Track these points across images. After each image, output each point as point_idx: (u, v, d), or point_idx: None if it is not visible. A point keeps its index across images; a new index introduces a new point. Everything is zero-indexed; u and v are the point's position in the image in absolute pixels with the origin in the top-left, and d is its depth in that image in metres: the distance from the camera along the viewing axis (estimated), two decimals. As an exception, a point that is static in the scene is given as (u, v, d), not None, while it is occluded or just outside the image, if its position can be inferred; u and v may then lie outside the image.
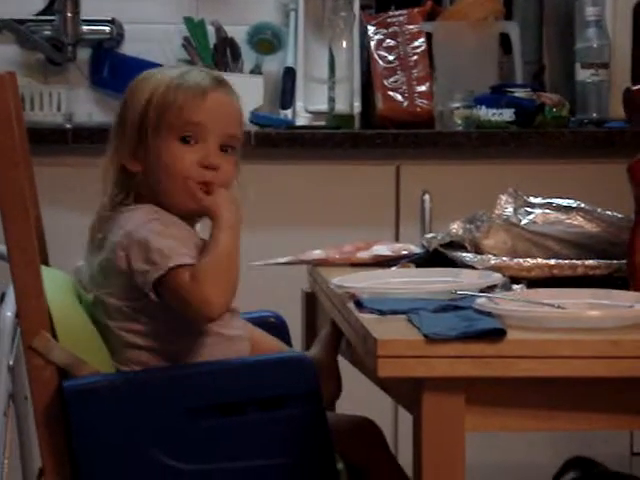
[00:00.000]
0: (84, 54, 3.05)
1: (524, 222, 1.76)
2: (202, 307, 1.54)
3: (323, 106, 2.90)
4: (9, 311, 2.32)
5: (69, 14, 2.97)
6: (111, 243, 1.60)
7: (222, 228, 1.58)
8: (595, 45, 2.87)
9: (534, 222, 1.76)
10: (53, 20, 3.01)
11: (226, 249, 1.56)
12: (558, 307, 1.47)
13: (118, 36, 3.05)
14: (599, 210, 1.77)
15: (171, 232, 1.59)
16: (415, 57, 2.90)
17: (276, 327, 1.88)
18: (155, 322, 1.61)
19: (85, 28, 3.00)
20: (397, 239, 2.69)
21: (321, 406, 1.58)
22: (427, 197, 2.71)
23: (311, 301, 2.02)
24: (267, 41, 3.01)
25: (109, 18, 3.03)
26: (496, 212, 1.78)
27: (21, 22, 3.01)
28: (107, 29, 3.03)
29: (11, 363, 2.31)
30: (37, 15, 3.04)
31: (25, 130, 1.77)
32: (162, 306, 1.59)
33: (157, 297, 1.57)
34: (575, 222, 1.76)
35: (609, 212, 1.77)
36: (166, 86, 1.63)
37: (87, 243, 1.67)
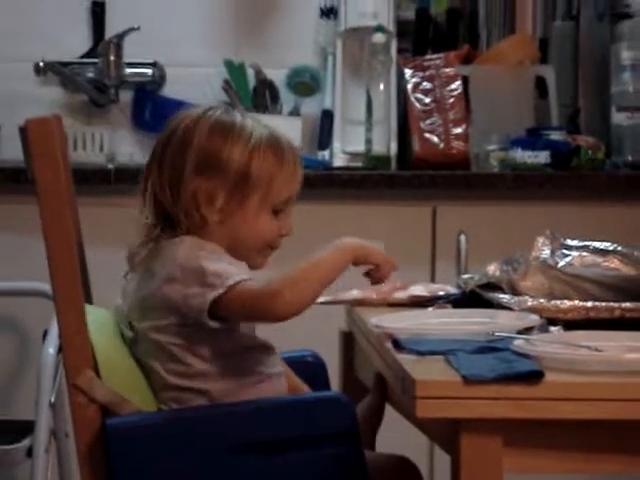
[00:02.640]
0: (126, 96, 3.10)
1: (561, 264, 1.77)
2: (273, 301, 1.54)
3: (360, 147, 2.93)
4: (51, 348, 2.34)
5: (112, 57, 3.02)
6: (162, 277, 1.61)
7: (331, 247, 1.62)
8: (631, 89, 2.89)
9: (571, 264, 1.77)
10: (97, 63, 3.05)
11: (317, 262, 1.59)
12: (595, 350, 1.48)
13: (160, 79, 3.09)
14: (636, 253, 1.78)
15: (222, 257, 1.61)
16: (451, 100, 2.92)
17: (314, 366, 1.89)
18: (199, 362, 1.62)
19: (128, 71, 3.05)
20: (433, 280, 2.70)
21: (359, 446, 1.59)
22: (463, 238, 2.72)
23: (348, 341, 2.03)
24: (305, 84, 3.05)
25: (151, 61, 3.08)
26: (533, 254, 1.79)
27: (65, 64, 3.06)
28: (149, 72, 3.08)
29: (53, 400, 2.33)
30: (81, 58, 3.09)
31: (71, 171, 1.80)
32: (207, 342, 1.61)
33: (212, 320, 1.58)
34: (612, 265, 1.76)
35: (646, 255, 1.78)
36: (269, 147, 1.63)
37: (130, 276, 1.67)
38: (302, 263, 1.58)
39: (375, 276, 1.66)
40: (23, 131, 1.61)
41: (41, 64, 3.03)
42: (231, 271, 1.58)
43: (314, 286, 1.57)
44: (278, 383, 1.68)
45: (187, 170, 1.63)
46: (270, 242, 1.67)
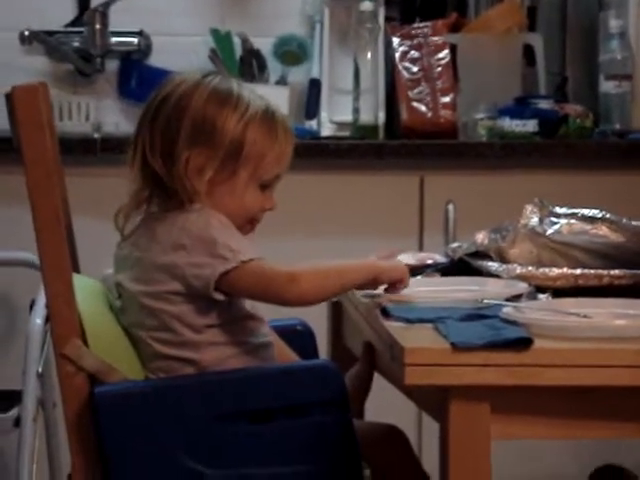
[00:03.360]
0: (112, 65, 3.08)
1: (550, 232, 1.77)
2: (287, 283, 1.55)
3: (348, 117, 2.92)
4: (38, 318, 2.34)
5: (98, 26, 3.00)
6: (169, 244, 1.59)
7: (357, 262, 1.63)
8: (619, 57, 2.88)
9: (559, 232, 1.77)
10: (82, 32, 3.03)
11: (340, 270, 1.61)
12: (584, 316, 1.48)
13: (146, 48, 3.07)
14: (624, 220, 1.78)
15: (233, 231, 1.61)
16: (439, 68, 2.91)
17: (302, 335, 1.89)
18: (188, 331, 1.61)
19: (113, 40, 3.03)
20: (421, 249, 2.70)
21: (348, 413, 1.59)
22: (451, 207, 2.72)
23: (337, 310, 2.03)
24: (293, 53, 3.03)
25: (137, 30, 3.06)
26: (522, 222, 1.79)
27: (50, 33, 3.04)
28: (135, 41, 3.06)
29: (40, 370, 2.33)
30: (66, 27, 3.07)
31: (57, 140, 1.79)
32: (200, 313, 1.60)
33: (219, 293, 1.58)
34: (600, 232, 1.76)
35: (634, 222, 1.78)
36: (263, 123, 1.62)
37: (126, 240, 1.66)
38: (328, 262, 1.61)
39: (386, 290, 1.66)
40: (9, 98, 1.60)
41: (26, 33, 3.01)
42: (244, 247, 1.58)
43: (332, 286, 1.60)
44: (267, 353, 1.68)
45: (181, 136, 1.61)
46: (253, 216, 1.66)
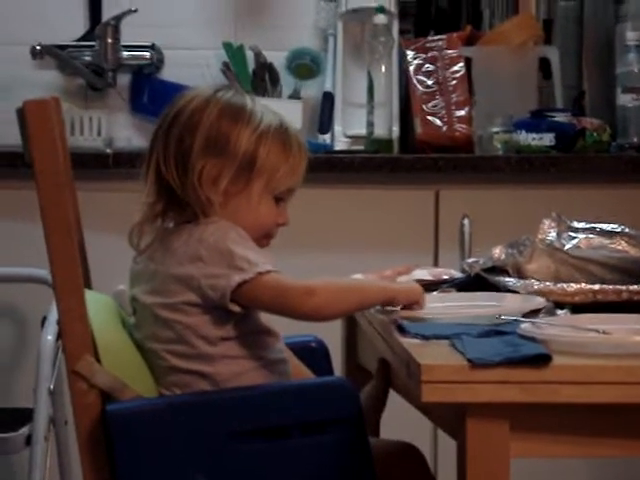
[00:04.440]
0: (124, 79, 3.08)
1: (568, 247, 1.75)
2: (305, 297, 1.56)
3: (362, 131, 2.90)
4: (50, 335, 2.33)
5: (109, 40, 3.00)
6: (187, 256, 1.59)
7: (375, 282, 1.66)
8: (636, 70, 2.86)
9: (578, 247, 1.75)
10: (94, 46, 3.03)
11: (358, 287, 1.62)
12: (603, 332, 1.46)
13: (158, 62, 3.07)
14: (643, 235, 1.76)
15: (250, 244, 1.61)
16: (454, 82, 2.90)
17: (317, 351, 1.88)
18: (203, 344, 1.60)
19: (125, 54, 3.03)
20: (436, 264, 2.68)
21: (363, 431, 1.57)
22: (466, 221, 2.70)
23: (352, 326, 2.02)
24: (306, 66, 3.02)
25: (149, 44, 3.06)
26: (539, 237, 1.77)
27: (62, 47, 3.04)
28: (147, 55, 3.05)
29: (52, 387, 2.32)
30: (78, 41, 3.07)
31: (69, 154, 1.78)
32: (215, 325, 1.60)
33: (234, 304, 1.57)
34: (619, 247, 1.75)
35: (653, 237, 1.76)
36: (277, 137, 1.64)
37: (139, 251, 1.66)
38: (346, 279, 1.62)
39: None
40: (21, 113, 1.59)
41: (38, 47, 3.01)
42: (261, 259, 1.58)
43: (349, 302, 1.61)
44: (282, 369, 1.67)
45: (195, 149, 1.62)
46: (268, 230, 1.66)
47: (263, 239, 1.66)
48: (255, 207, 1.64)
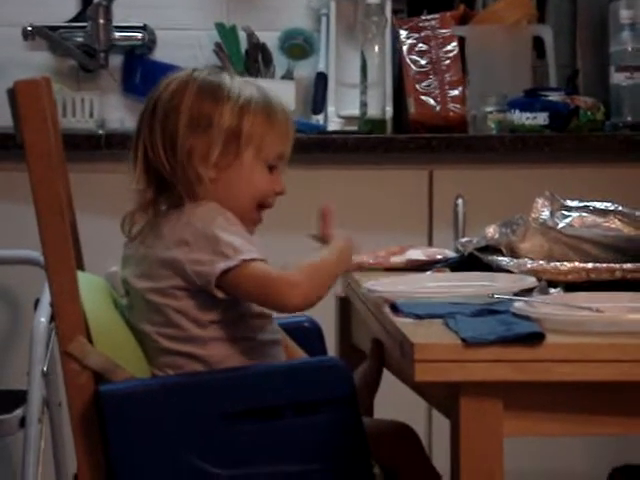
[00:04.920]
0: (116, 60, 3.06)
1: (561, 225, 1.75)
2: (289, 289, 1.54)
3: (355, 111, 2.90)
4: (43, 317, 2.33)
5: (101, 21, 2.98)
6: (173, 240, 1.60)
7: (330, 247, 1.65)
8: (630, 48, 2.85)
9: (571, 225, 1.75)
10: (85, 27, 3.02)
11: (326, 259, 1.61)
12: (596, 311, 1.46)
13: (150, 42, 3.06)
14: (637, 213, 1.76)
15: (237, 229, 1.61)
16: (447, 61, 2.89)
17: (310, 332, 1.87)
18: (194, 327, 1.60)
19: (117, 35, 3.01)
20: (430, 244, 2.68)
21: (357, 411, 1.57)
22: (460, 201, 2.70)
23: (345, 306, 2.02)
24: (299, 46, 3.01)
25: (141, 25, 3.04)
26: (532, 216, 1.77)
27: (53, 29, 3.02)
28: (139, 35, 3.04)
29: (45, 369, 2.32)
30: (69, 22, 3.05)
31: (60, 135, 1.77)
32: (204, 308, 1.59)
33: (219, 290, 1.57)
34: (612, 225, 1.74)
35: (647, 215, 1.75)
36: (260, 106, 1.65)
37: (133, 241, 1.66)
38: (318, 257, 1.61)
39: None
40: (12, 93, 1.58)
41: (29, 28, 2.99)
42: (246, 246, 1.58)
43: (326, 285, 1.60)
44: (275, 350, 1.67)
45: (180, 129, 1.63)
46: (264, 198, 1.67)
47: (259, 209, 1.67)
48: (248, 176, 1.64)
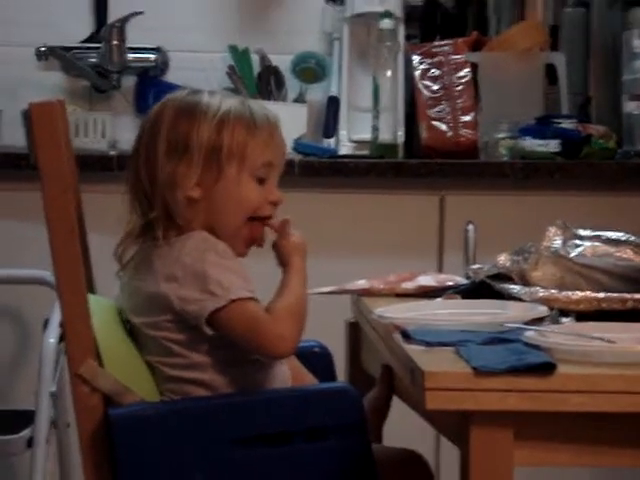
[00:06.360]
0: (129, 82, 3.07)
1: (573, 254, 1.74)
2: (277, 342, 1.56)
3: (367, 135, 2.90)
4: (52, 337, 2.32)
5: (115, 42, 3.00)
6: (162, 275, 1.59)
7: (294, 273, 1.62)
8: (642, 77, 2.86)
9: (583, 255, 1.74)
10: (99, 48, 3.03)
11: (298, 293, 1.60)
12: (608, 341, 1.45)
13: (163, 64, 3.07)
14: (649, 243, 1.75)
15: (227, 264, 1.59)
16: (460, 87, 2.89)
17: (320, 357, 1.87)
18: (197, 355, 1.60)
19: (130, 56, 3.02)
20: (440, 269, 2.67)
21: (367, 437, 1.57)
22: (471, 227, 2.69)
23: (355, 331, 2.01)
24: (311, 70, 3.02)
25: (154, 46, 3.05)
26: (544, 244, 1.76)
27: (67, 49, 3.03)
28: (152, 57, 3.05)
29: (53, 389, 2.31)
30: (83, 42, 3.06)
31: (74, 157, 1.77)
32: (204, 338, 1.59)
33: (210, 329, 1.57)
34: (624, 255, 1.74)
35: (659, 245, 1.75)
36: (239, 118, 1.62)
37: (123, 272, 1.65)
38: (292, 295, 1.59)
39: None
40: (27, 115, 1.59)
41: (42, 49, 3.00)
42: (236, 284, 1.57)
43: (303, 322, 1.59)
44: (279, 370, 1.66)
45: (159, 156, 1.62)
46: (256, 209, 1.64)
47: (256, 223, 1.64)
48: (235, 190, 1.62)
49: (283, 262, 1.64)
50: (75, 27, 3.06)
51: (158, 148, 1.61)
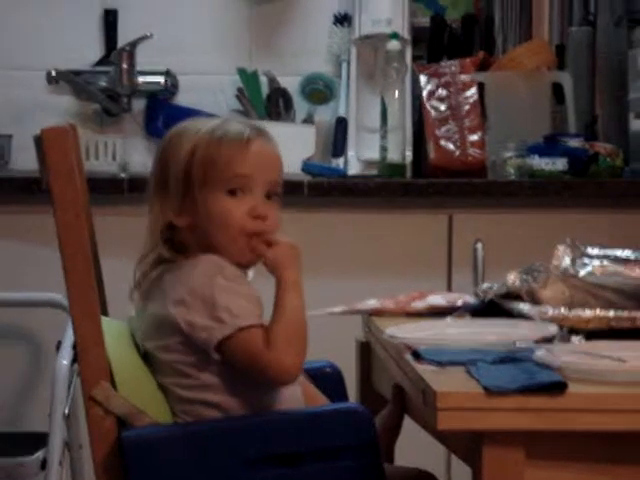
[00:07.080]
0: (139, 105, 3.09)
1: (582, 273, 1.75)
2: (278, 373, 1.56)
3: (375, 155, 2.91)
4: (65, 359, 2.33)
5: (125, 66, 3.01)
6: (171, 298, 1.59)
7: (287, 288, 1.59)
8: (649, 96, 2.87)
9: (592, 273, 1.74)
10: (109, 71, 3.05)
11: (295, 311, 1.58)
12: (618, 360, 1.46)
13: (172, 87, 3.08)
14: (657, 261, 1.76)
15: (236, 289, 1.59)
16: (467, 107, 2.91)
17: (331, 377, 1.87)
18: (208, 376, 1.60)
19: (140, 79, 3.04)
20: (449, 288, 2.68)
21: (378, 458, 1.57)
22: (479, 246, 2.70)
23: (365, 351, 2.01)
24: (319, 91, 3.03)
25: (164, 70, 3.07)
26: (554, 263, 1.77)
27: (77, 73, 3.05)
28: (162, 80, 3.07)
29: (66, 411, 2.32)
30: (93, 66, 3.08)
31: (85, 181, 1.78)
32: (214, 360, 1.59)
33: (219, 355, 1.57)
34: (633, 274, 1.74)
35: (668, 263, 1.75)
36: (208, 139, 1.62)
37: (137, 295, 1.66)
38: (284, 319, 1.57)
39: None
40: (38, 140, 1.60)
41: (53, 73, 3.02)
42: (244, 309, 1.57)
43: (305, 339, 1.58)
44: (291, 392, 1.66)
45: (151, 195, 1.65)
46: (245, 228, 1.62)
47: (247, 239, 1.62)
48: (216, 210, 1.61)
49: (275, 276, 1.61)
50: (85, 51, 3.08)
51: (151, 187, 1.65)
